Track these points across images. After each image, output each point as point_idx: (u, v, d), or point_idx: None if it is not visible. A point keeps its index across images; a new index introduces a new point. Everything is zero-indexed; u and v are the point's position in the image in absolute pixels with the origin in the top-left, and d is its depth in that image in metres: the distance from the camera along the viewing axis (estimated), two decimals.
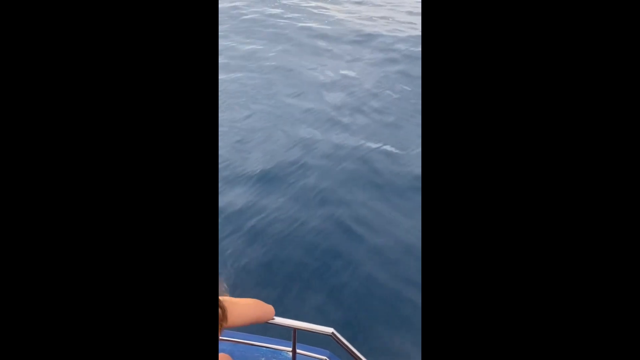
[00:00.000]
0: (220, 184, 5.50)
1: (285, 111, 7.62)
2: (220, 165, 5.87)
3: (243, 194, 5.50)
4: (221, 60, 9.12)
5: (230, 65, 9.28)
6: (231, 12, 12.89)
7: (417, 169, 5.99)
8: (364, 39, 11.21)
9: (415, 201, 5.38)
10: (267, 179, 5.78)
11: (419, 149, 6.25)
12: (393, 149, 6.55)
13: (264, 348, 1.90)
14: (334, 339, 1.57)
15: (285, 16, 12.89)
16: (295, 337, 1.68)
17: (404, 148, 6.57)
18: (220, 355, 1.63)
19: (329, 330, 1.57)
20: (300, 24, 12.19)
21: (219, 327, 1.35)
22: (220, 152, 6.07)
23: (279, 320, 1.59)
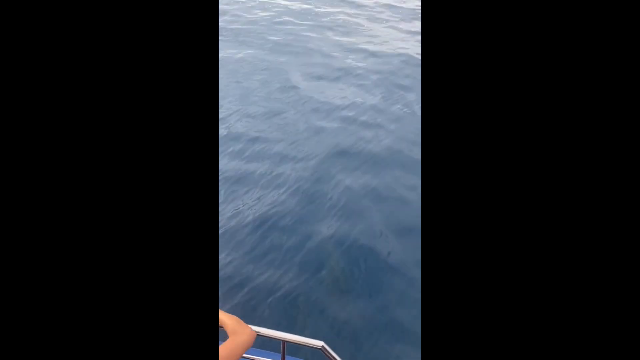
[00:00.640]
0: None
1: None
2: None
3: None
4: None
5: None
6: None
7: None
8: None
9: None
10: None
11: None
12: None
13: None
14: (324, 352, 1.56)
15: None
16: (284, 349, 1.67)
17: None
18: None
19: (319, 343, 1.55)
20: None
21: None
22: None
23: (269, 332, 1.57)
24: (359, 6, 14.22)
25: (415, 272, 4.28)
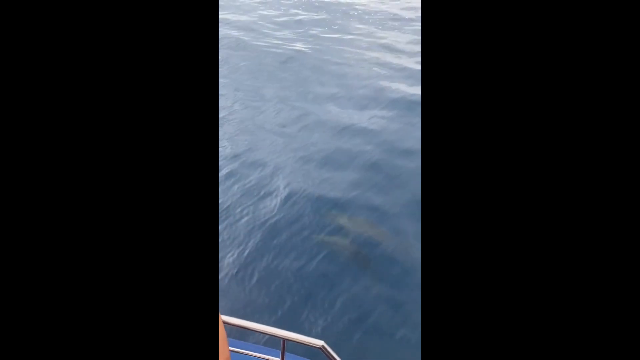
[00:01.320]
0: None
1: None
2: None
3: None
4: None
5: None
6: None
7: None
8: None
9: None
10: None
11: None
12: None
13: (253, 357, 1.89)
14: (324, 352, 1.56)
15: None
16: (284, 347, 1.68)
17: None
18: None
19: (320, 343, 1.55)
20: None
21: None
22: None
23: (269, 329, 1.58)
24: None
25: None
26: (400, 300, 4.19)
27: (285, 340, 1.60)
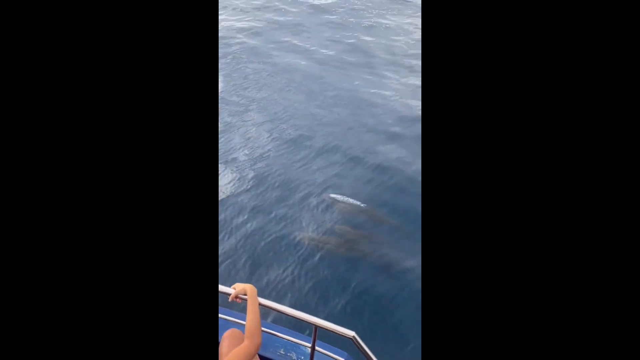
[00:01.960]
0: None
1: None
2: None
3: None
4: None
5: None
6: None
7: None
8: None
9: None
10: None
11: None
12: None
13: (284, 340, 1.92)
14: (355, 343, 1.57)
15: None
16: (315, 334, 1.69)
17: None
18: (231, 329, 1.69)
19: (351, 333, 1.56)
20: None
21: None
22: None
23: (303, 315, 1.59)
24: None
25: None
26: None
27: (317, 327, 1.61)
